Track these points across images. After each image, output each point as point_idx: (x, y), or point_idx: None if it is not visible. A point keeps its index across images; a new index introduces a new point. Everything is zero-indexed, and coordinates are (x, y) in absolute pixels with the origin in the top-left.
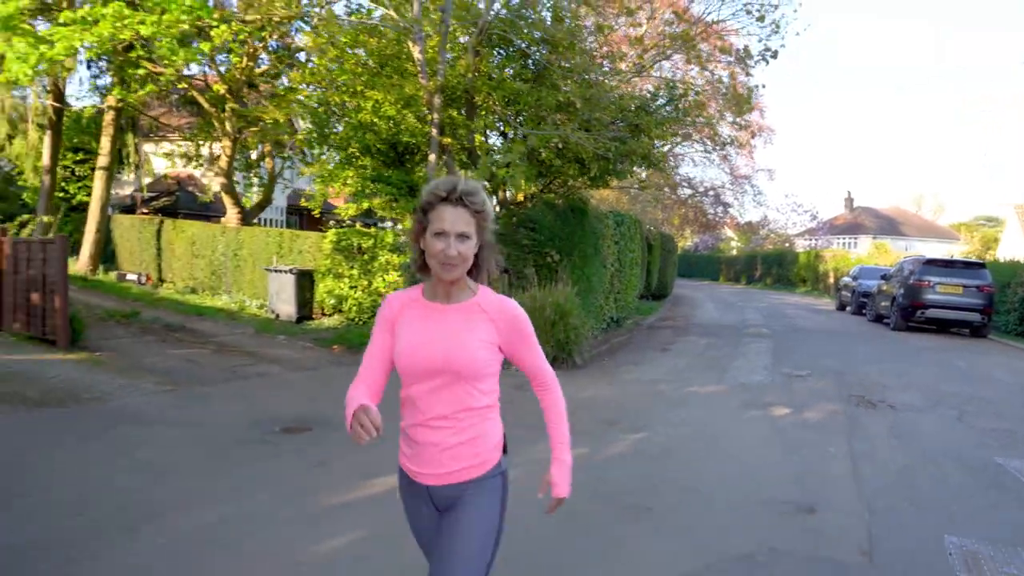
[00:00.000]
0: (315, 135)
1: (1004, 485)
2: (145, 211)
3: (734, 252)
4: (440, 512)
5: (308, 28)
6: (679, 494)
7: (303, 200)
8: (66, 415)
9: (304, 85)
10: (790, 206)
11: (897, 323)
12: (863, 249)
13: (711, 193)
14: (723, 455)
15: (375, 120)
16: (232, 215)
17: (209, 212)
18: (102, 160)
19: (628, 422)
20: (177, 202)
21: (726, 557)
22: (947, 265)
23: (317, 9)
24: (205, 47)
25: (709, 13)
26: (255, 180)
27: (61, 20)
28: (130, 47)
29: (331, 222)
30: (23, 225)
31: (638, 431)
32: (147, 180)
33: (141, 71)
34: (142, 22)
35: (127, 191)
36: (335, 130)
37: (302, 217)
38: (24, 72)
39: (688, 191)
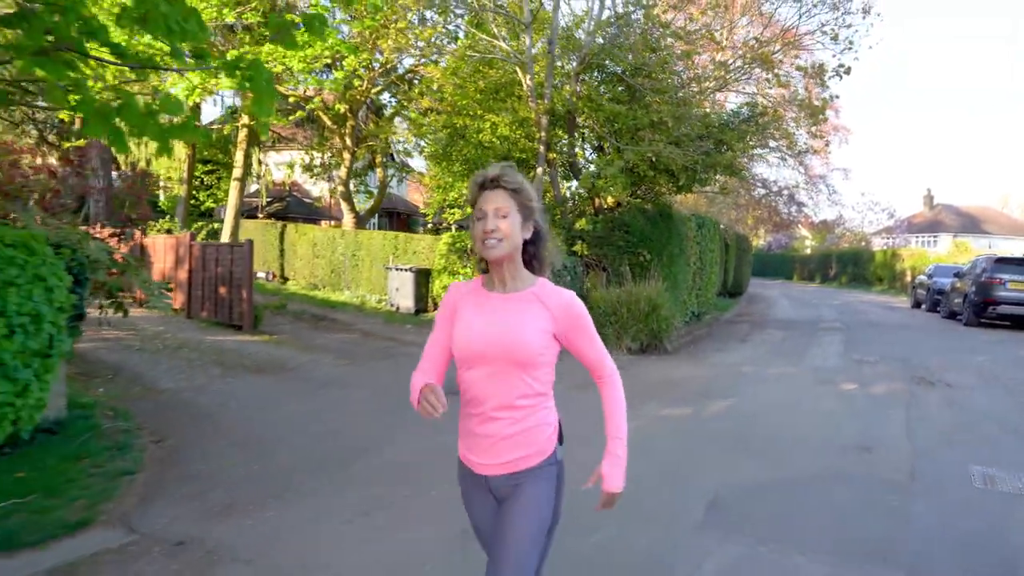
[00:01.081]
0: (440, 152)
1: None
2: (260, 215)
3: (808, 251)
4: (499, 502)
5: (417, 54)
6: (764, 440)
7: (422, 208)
8: (282, 379)
9: (418, 110)
10: (866, 204)
11: (969, 319)
12: (943, 248)
13: (785, 192)
14: (799, 416)
15: (492, 139)
16: (348, 220)
17: (315, 216)
18: (236, 172)
19: (718, 393)
20: (288, 207)
21: (800, 475)
22: (1019, 263)
23: (450, 45)
24: (340, 75)
25: (788, 29)
26: (360, 187)
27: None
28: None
29: (429, 224)
30: (199, 231)
31: (727, 399)
32: (254, 187)
33: (291, 98)
34: (287, 57)
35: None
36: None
37: (391, 218)
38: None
39: (762, 191)
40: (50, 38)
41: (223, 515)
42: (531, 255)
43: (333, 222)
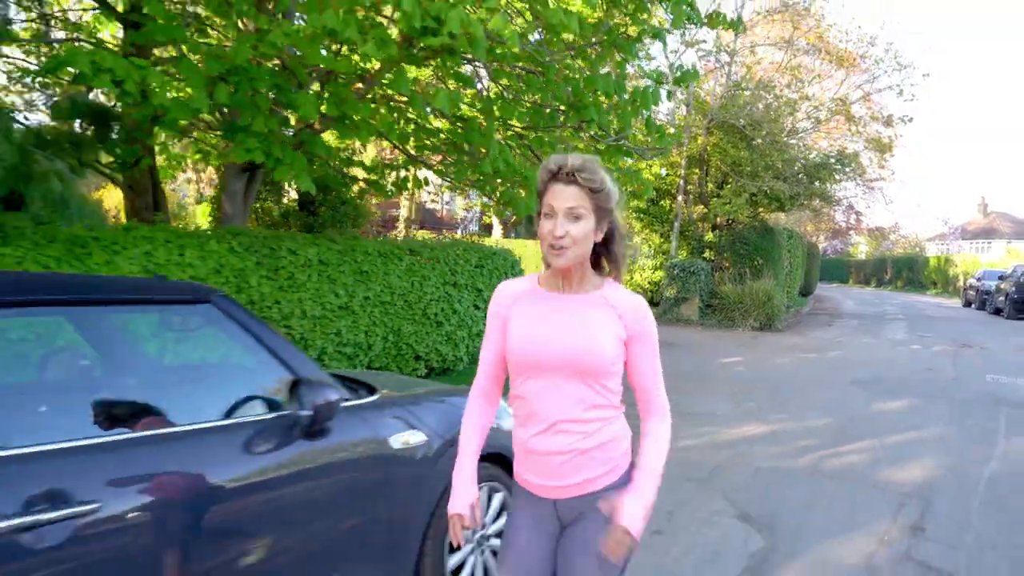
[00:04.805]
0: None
1: None
2: (400, 226)
3: (862, 256)
4: (564, 529)
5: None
6: (868, 366)
7: None
8: None
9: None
10: (921, 211)
11: (1010, 313)
12: (996, 254)
13: (844, 202)
14: (886, 358)
15: (649, 176)
16: (498, 231)
17: (442, 226)
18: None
19: (829, 349)
20: (422, 220)
21: (894, 376)
22: None
23: None
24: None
25: (865, 83)
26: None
27: None
28: None
29: None
30: None
31: (836, 351)
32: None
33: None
34: None
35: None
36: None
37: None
38: None
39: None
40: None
41: None
42: (601, 254)
43: (448, 231)
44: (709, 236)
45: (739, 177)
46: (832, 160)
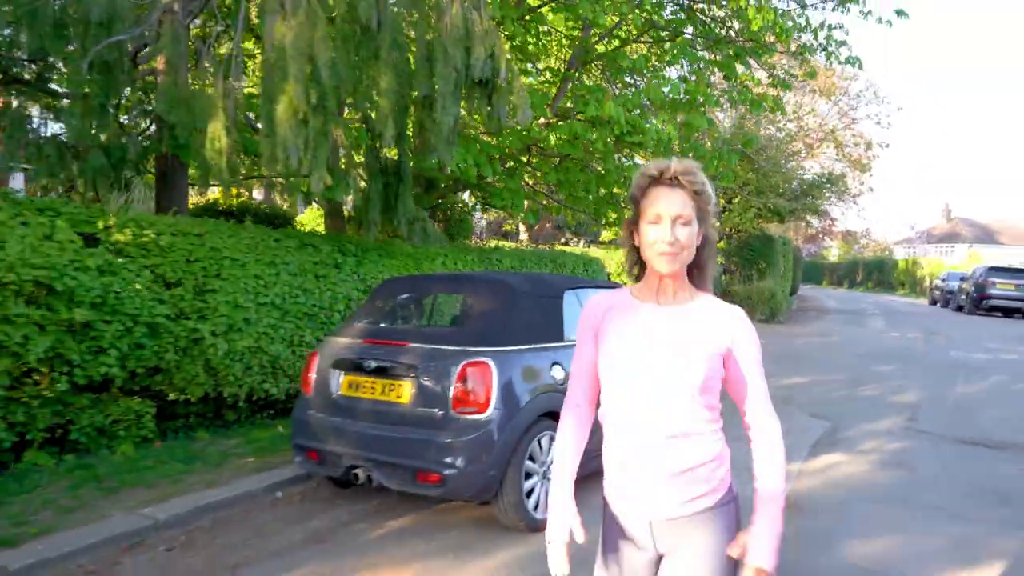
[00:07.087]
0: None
1: (987, 349)
2: None
3: (835, 259)
4: (660, 553)
5: None
6: (863, 345)
7: (603, 236)
8: None
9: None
10: (890, 219)
11: (969, 309)
12: (959, 257)
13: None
14: (875, 341)
15: None
16: (524, 236)
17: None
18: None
19: (828, 335)
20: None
21: (884, 351)
22: (1006, 270)
23: None
24: None
25: (851, 110)
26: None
27: None
28: None
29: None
30: None
31: (834, 336)
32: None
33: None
34: None
35: None
36: None
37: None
38: None
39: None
40: None
41: None
42: (693, 263)
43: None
44: (720, 244)
45: (746, 194)
46: (823, 180)
